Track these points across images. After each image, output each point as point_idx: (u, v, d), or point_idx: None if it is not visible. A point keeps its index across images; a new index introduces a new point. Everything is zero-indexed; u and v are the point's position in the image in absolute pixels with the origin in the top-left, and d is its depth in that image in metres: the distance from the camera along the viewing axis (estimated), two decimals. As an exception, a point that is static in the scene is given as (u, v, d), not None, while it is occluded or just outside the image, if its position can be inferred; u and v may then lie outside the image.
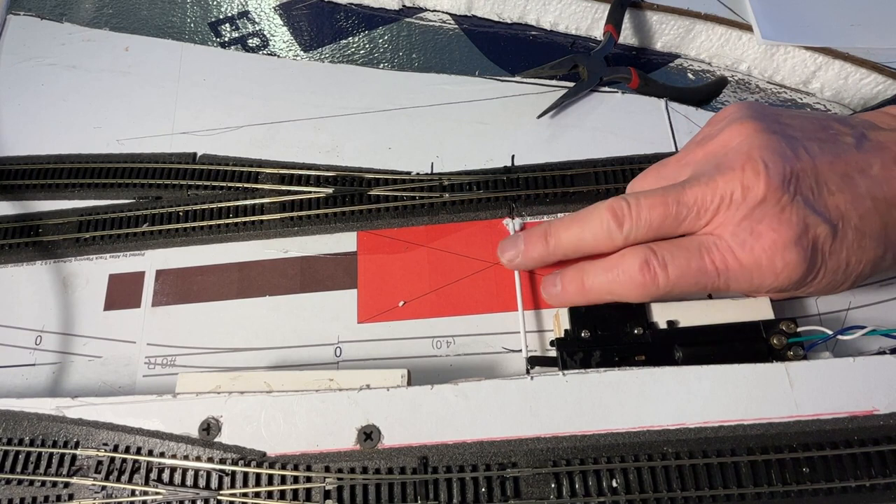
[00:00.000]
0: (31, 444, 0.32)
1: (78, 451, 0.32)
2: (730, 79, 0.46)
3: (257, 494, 0.30)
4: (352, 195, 0.39)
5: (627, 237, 0.32)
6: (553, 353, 0.34)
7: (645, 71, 0.44)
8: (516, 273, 0.36)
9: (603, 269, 0.33)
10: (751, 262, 0.30)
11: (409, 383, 0.32)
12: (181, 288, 0.38)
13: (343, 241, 0.39)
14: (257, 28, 0.49)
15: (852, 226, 0.30)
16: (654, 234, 0.32)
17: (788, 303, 0.35)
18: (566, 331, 0.33)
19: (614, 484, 0.29)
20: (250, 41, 0.49)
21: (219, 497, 0.30)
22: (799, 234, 0.30)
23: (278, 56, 0.48)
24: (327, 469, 0.30)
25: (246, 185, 0.40)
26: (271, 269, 0.39)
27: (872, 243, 0.31)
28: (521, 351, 0.34)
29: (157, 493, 0.30)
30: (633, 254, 0.32)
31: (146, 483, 0.31)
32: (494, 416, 0.31)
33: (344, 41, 0.49)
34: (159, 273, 0.39)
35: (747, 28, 0.44)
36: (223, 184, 0.41)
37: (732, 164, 0.31)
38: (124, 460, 0.31)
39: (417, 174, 0.40)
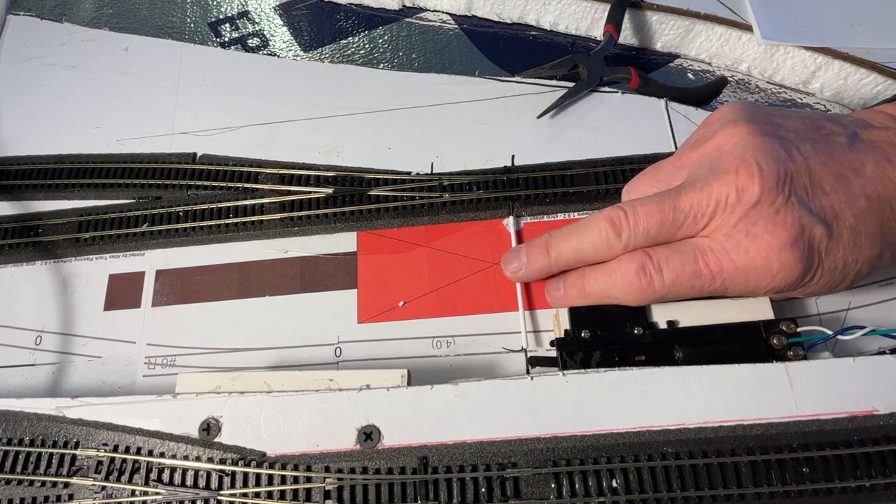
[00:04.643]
0: (31, 444, 0.32)
1: (78, 452, 0.32)
2: (730, 79, 0.46)
3: (257, 494, 0.30)
4: (352, 195, 0.39)
5: (626, 245, 0.32)
6: (553, 353, 0.34)
7: (645, 71, 0.44)
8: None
9: (602, 273, 0.33)
10: (746, 265, 0.30)
11: (409, 383, 0.32)
12: (181, 288, 0.38)
13: (343, 241, 0.39)
14: (257, 28, 0.49)
15: (847, 225, 0.30)
16: (653, 241, 0.32)
17: (788, 303, 0.35)
18: (566, 331, 0.34)
19: (614, 484, 0.29)
20: (250, 41, 0.49)
21: (219, 497, 0.30)
22: (795, 236, 0.30)
23: (278, 56, 0.48)
24: (327, 469, 0.30)
25: (246, 185, 0.40)
26: (271, 269, 0.39)
27: (868, 242, 0.31)
28: (521, 350, 0.35)
29: (157, 494, 0.30)
30: (630, 259, 0.32)
31: (146, 483, 0.31)
32: (494, 416, 0.31)
33: (344, 41, 0.49)
34: (159, 273, 0.39)
35: (747, 28, 0.44)
36: (223, 184, 0.41)
37: (726, 167, 0.31)
38: (124, 460, 0.31)
39: (417, 174, 0.40)
